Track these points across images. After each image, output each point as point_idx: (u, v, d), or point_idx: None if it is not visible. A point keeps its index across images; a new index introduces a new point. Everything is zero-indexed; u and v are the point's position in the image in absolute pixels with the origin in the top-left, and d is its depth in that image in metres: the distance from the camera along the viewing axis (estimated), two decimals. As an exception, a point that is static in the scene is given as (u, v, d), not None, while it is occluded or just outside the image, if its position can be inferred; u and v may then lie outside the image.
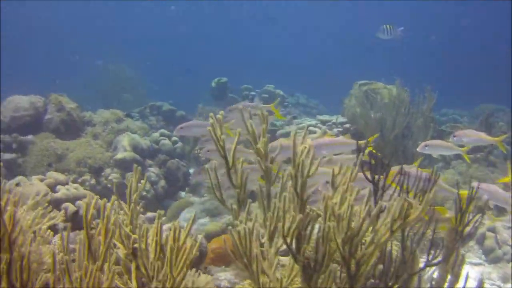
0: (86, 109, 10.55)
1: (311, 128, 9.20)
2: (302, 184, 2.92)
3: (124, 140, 8.93)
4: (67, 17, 37.31)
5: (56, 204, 5.65)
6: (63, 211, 5.50)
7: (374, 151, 4.01)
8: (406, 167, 3.27)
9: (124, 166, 8.69)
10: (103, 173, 8.71)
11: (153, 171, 9.00)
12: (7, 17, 28.76)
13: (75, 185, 6.24)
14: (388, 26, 9.63)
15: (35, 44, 33.11)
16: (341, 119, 9.53)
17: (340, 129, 9.20)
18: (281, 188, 3.08)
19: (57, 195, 5.74)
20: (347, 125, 9.33)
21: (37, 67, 26.89)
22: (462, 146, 5.22)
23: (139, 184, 3.56)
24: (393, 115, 8.89)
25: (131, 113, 11.48)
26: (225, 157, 3.32)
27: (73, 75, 19.45)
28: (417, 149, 5.10)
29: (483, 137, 5.24)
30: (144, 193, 8.44)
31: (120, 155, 8.76)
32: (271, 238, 2.86)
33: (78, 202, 5.76)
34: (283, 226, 2.75)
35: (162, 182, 8.98)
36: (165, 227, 5.25)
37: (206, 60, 32.10)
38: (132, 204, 3.42)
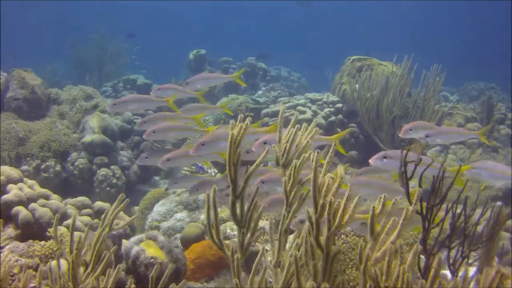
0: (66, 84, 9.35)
1: (300, 108, 8.22)
2: (330, 235, 1.93)
3: (93, 121, 7.83)
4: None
5: (7, 207, 4.64)
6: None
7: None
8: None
9: (92, 150, 7.67)
10: (69, 158, 7.64)
11: (124, 155, 7.96)
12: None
13: (31, 182, 5.15)
14: None
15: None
16: (332, 97, 8.56)
17: (331, 109, 8.23)
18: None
19: (8, 197, 4.71)
20: (339, 105, 8.39)
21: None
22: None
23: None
24: (392, 94, 7.92)
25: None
26: (233, 181, 2.49)
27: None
28: (400, 134, 4.37)
29: (462, 132, 4.54)
30: (114, 181, 7.40)
31: (88, 138, 7.71)
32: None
33: (32, 205, 4.71)
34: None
35: (135, 167, 7.95)
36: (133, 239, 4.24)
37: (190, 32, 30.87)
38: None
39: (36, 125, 7.97)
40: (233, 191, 2.51)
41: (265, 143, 3.45)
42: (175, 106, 4.93)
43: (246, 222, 2.52)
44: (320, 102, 8.48)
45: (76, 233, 4.83)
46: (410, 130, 4.33)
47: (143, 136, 4.60)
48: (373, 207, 2.05)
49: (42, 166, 7.46)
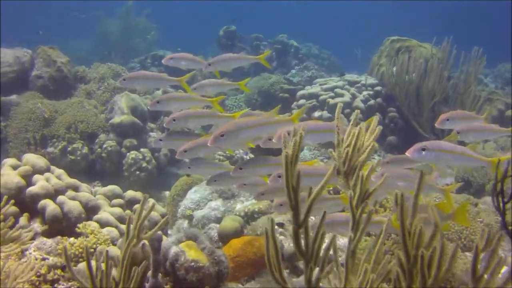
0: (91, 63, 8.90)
1: (337, 90, 7.75)
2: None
3: (122, 101, 7.39)
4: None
5: (33, 201, 4.22)
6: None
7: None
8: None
9: (121, 131, 7.24)
10: (97, 140, 7.25)
11: (155, 136, 7.45)
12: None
13: (58, 171, 4.74)
14: None
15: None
16: (370, 79, 8.10)
17: (370, 92, 7.76)
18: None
19: (34, 189, 4.30)
20: (378, 88, 7.94)
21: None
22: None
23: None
24: (433, 78, 7.42)
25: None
26: (295, 208, 2.10)
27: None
28: (436, 124, 3.96)
29: (495, 130, 4.04)
30: (144, 164, 6.98)
31: (117, 119, 7.27)
32: None
33: (60, 198, 4.30)
34: None
35: (165, 149, 7.43)
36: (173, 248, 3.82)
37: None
38: None
39: (62, 105, 7.57)
40: (294, 219, 2.07)
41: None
42: (188, 86, 4.50)
43: (314, 255, 2.08)
44: (358, 85, 8.01)
45: (106, 230, 4.44)
46: (447, 120, 3.93)
47: (164, 124, 4.13)
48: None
49: (69, 148, 7.08)
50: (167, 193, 6.80)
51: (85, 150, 7.11)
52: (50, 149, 7.09)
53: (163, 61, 4.65)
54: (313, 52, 12.90)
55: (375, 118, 2.64)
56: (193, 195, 6.08)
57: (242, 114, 3.84)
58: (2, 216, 3.58)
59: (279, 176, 3.13)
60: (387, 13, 33.94)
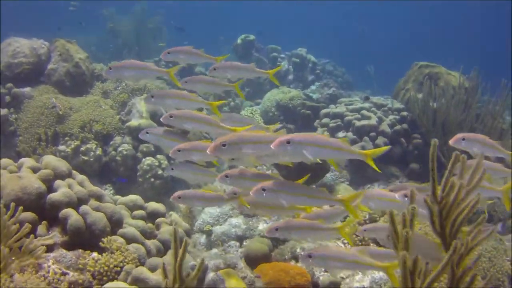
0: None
1: (364, 112, 7.41)
2: None
3: (141, 104, 6.99)
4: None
5: (54, 209, 3.80)
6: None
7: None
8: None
9: (138, 135, 6.71)
10: (111, 142, 6.84)
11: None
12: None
13: (80, 177, 4.33)
14: None
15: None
16: (397, 104, 7.80)
17: (396, 117, 7.47)
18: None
19: (56, 196, 3.88)
20: (404, 113, 7.61)
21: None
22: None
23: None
24: (460, 109, 7.11)
25: None
26: None
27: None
28: (450, 142, 3.72)
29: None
30: (160, 172, 6.58)
31: (134, 122, 6.86)
32: None
33: (84, 208, 3.88)
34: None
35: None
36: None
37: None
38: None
39: (77, 102, 7.13)
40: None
41: (288, 142, 2.85)
42: (176, 79, 4.22)
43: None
44: (385, 108, 7.66)
45: (133, 247, 4.01)
46: (463, 140, 3.70)
47: (161, 119, 3.78)
48: None
49: (82, 148, 6.65)
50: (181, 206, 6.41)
51: (99, 151, 6.68)
52: (61, 147, 6.66)
53: (161, 56, 4.37)
54: (327, 69, 12.53)
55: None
56: (212, 209, 5.76)
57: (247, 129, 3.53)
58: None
59: (263, 189, 2.96)
60: (401, 29, 33.70)
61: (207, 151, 3.09)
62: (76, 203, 3.91)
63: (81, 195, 4.01)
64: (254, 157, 3.25)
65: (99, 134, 6.81)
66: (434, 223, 2.36)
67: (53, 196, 3.85)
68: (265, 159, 3.35)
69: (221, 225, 5.55)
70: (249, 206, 3.37)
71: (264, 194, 2.97)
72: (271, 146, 2.87)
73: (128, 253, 3.76)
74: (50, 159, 4.25)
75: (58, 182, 4.03)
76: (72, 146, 6.63)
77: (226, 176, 3.24)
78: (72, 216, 3.75)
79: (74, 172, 4.35)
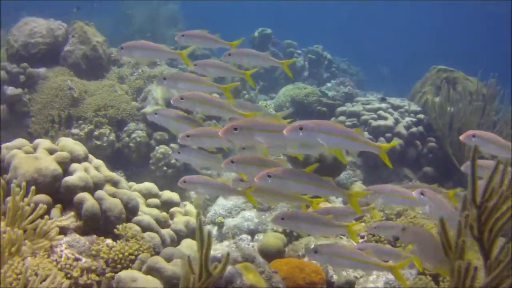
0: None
1: (381, 112, 7.34)
2: None
3: (157, 91, 6.90)
4: None
5: (69, 192, 3.70)
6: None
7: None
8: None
9: (152, 122, 6.60)
10: (125, 128, 6.73)
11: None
12: None
13: (97, 161, 4.23)
14: None
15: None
16: (413, 106, 7.77)
17: (413, 119, 7.45)
18: None
19: (72, 180, 3.78)
20: (421, 116, 7.60)
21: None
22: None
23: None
24: (478, 115, 7.12)
25: None
26: None
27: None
28: (461, 137, 3.63)
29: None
30: (173, 161, 6.51)
31: (150, 109, 6.74)
32: None
33: (100, 194, 3.78)
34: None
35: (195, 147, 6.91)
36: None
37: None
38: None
39: (92, 86, 7.03)
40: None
41: (301, 128, 2.75)
42: (189, 60, 4.05)
43: None
44: (402, 110, 7.60)
45: (148, 236, 3.91)
46: (473, 136, 3.58)
47: (171, 101, 3.67)
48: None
49: (95, 133, 6.54)
50: (192, 193, 6.31)
51: (112, 137, 6.58)
52: (74, 131, 6.57)
53: (176, 38, 4.20)
54: (342, 67, 12.41)
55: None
56: (225, 201, 5.74)
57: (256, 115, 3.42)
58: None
59: (269, 176, 2.88)
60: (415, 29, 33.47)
61: (219, 133, 3.00)
62: (92, 188, 3.82)
63: (97, 179, 3.91)
64: (265, 146, 3.16)
65: (113, 119, 6.70)
66: (472, 228, 2.27)
67: (69, 179, 3.75)
68: (276, 149, 3.30)
69: (233, 217, 5.50)
70: (256, 204, 3.30)
71: (269, 181, 2.89)
72: (283, 132, 2.77)
73: (144, 241, 3.67)
74: (67, 142, 4.17)
75: (74, 165, 3.93)
76: (86, 130, 6.53)
77: (232, 162, 3.16)
78: (88, 200, 3.66)
79: (90, 156, 4.26)
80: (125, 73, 7.46)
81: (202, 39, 4.21)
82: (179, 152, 3.88)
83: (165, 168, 6.45)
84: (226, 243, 5.09)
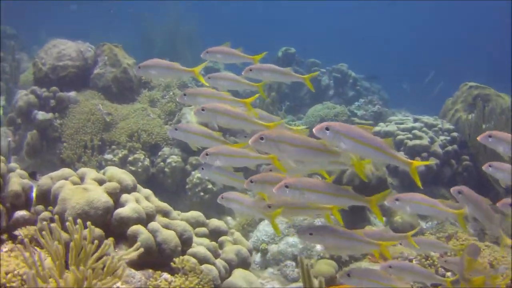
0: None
1: (416, 132, 7.19)
2: None
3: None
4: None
5: (122, 225, 3.53)
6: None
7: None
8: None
9: (187, 147, 6.48)
10: (160, 153, 6.57)
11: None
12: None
13: (145, 191, 4.07)
14: None
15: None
16: (447, 125, 7.67)
17: (447, 138, 7.35)
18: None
19: (125, 212, 3.60)
20: (455, 134, 7.44)
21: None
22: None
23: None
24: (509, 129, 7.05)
25: None
26: None
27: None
28: (478, 138, 3.57)
29: None
30: (209, 186, 6.36)
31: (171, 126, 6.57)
32: None
33: (154, 225, 3.62)
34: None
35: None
36: None
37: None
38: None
39: (124, 110, 6.90)
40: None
41: (327, 129, 2.69)
42: (203, 78, 3.98)
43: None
44: (436, 128, 7.49)
45: (206, 268, 3.74)
46: (490, 137, 3.51)
47: (192, 112, 3.63)
48: None
49: (130, 158, 6.40)
50: (229, 218, 6.19)
51: (147, 162, 6.42)
52: (108, 156, 6.43)
53: (201, 55, 4.15)
54: (364, 85, 12.25)
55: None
56: (267, 227, 5.63)
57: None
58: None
59: (286, 186, 2.85)
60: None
61: (250, 143, 2.91)
62: (145, 220, 3.65)
63: (149, 210, 3.74)
64: (292, 161, 3.02)
65: (146, 144, 6.56)
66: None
67: (122, 211, 3.58)
68: (301, 167, 3.18)
69: (276, 243, 5.37)
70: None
71: (287, 192, 2.85)
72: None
73: (204, 275, 3.49)
74: (115, 171, 4.00)
75: (125, 196, 3.76)
76: (120, 155, 6.39)
77: (251, 182, 3.14)
78: (142, 233, 3.48)
79: (138, 186, 4.10)
80: (156, 96, 7.33)
81: (225, 54, 4.17)
82: (202, 169, 3.74)
83: (202, 193, 6.29)
84: (270, 270, 4.93)
